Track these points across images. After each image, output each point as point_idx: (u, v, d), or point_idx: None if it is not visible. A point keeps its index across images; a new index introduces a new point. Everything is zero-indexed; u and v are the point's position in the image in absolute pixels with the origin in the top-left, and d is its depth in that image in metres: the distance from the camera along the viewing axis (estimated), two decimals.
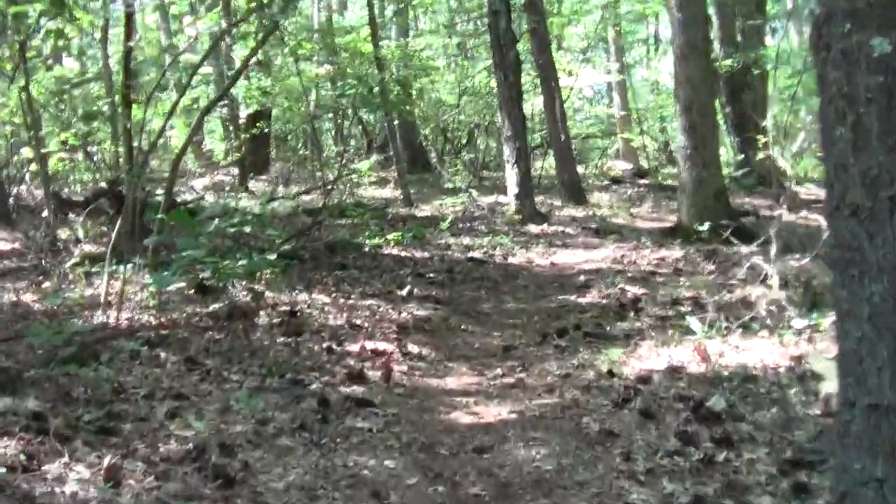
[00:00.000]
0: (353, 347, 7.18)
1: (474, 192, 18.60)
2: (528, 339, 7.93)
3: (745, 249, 11.71)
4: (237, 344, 7.09)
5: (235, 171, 23.37)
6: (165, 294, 8.34)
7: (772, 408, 5.79)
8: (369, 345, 7.25)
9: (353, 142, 31.22)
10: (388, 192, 21.54)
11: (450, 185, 18.93)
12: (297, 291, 9.08)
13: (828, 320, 7.11)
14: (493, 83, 21.15)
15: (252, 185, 23.11)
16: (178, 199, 16.64)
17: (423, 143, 26.79)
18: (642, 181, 23.68)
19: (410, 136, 25.75)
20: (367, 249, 12.31)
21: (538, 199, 16.95)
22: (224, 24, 14.63)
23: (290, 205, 15.52)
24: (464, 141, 26.86)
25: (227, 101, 23.54)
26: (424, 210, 17.81)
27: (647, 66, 35.98)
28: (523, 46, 18.22)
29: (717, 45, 22.47)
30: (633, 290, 9.60)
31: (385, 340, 7.49)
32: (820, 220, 16.46)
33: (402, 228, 14.36)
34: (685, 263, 11.10)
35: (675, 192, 22.06)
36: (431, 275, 10.71)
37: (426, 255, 12.37)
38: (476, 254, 12.59)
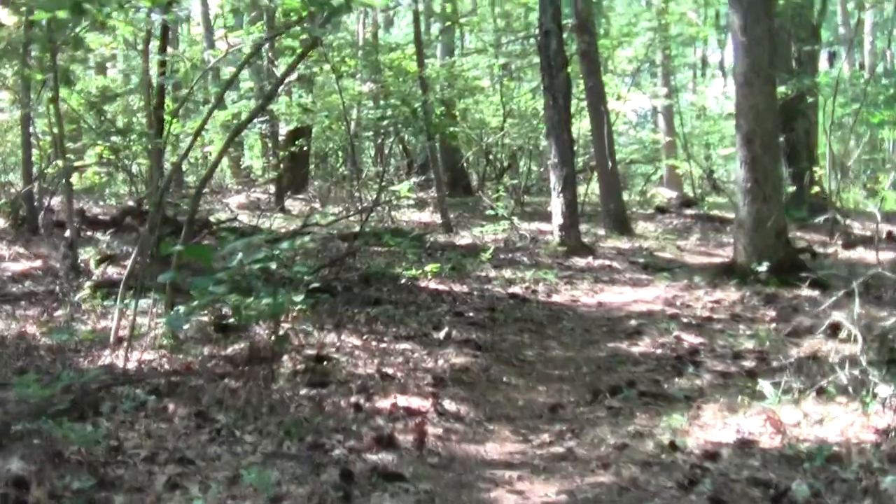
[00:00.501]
0: (384, 404, 6.39)
1: (516, 220, 17.82)
2: (578, 397, 7.09)
3: (806, 292, 10.94)
4: (255, 395, 6.32)
5: (273, 188, 22.73)
6: (182, 331, 7.62)
7: (864, 500, 4.95)
8: (402, 400, 6.46)
9: (393, 161, 30.58)
10: (427, 215, 20.80)
11: (491, 212, 18.08)
12: (325, 331, 8.32)
13: None
14: (539, 105, 20.44)
15: (289, 203, 22.49)
16: (212, 219, 16.07)
17: (465, 166, 26.05)
18: (688, 211, 22.76)
19: (452, 159, 25.04)
20: (403, 281, 11.55)
21: (581, 227, 16.11)
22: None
23: (325, 230, 14.74)
24: (506, 164, 26.05)
25: (266, 117, 23.00)
26: (464, 237, 17.04)
27: (694, 90, 35.07)
28: (572, 69, 17.43)
29: None
30: (690, 339, 8.78)
31: (419, 395, 6.69)
32: (871, 257, 15.54)
33: (441, 258, 13.60)
34: (743, 308, 10.25)
35: (723, 223, 21.27)
36: (471, 314, 9.90)
37: (465, 289, 11.59)
38: (518, 289, 11.80)
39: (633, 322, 9.67)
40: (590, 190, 23.77)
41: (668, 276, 12.71)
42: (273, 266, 6.86)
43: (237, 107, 24.25)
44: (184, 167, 27.46)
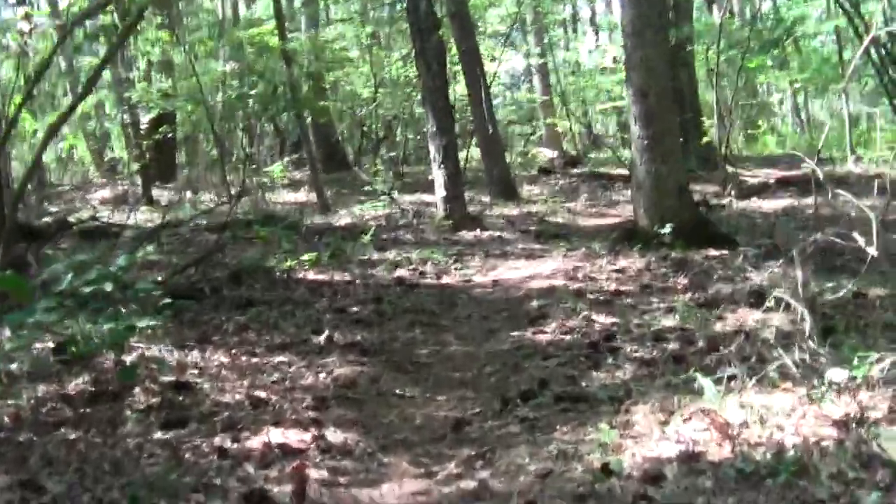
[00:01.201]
0: (255, 442, 5.18)
1: (396, 194, 16.68)
2: (484, 406, 5.96)
3: (713, 252, 10.06)
4: (96, 449, 5.08)
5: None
6: (14, 363, 6.31)
7: None
8: (276, 435, 5.25)
9: (267, 141, 29.14)
10: (304, 195, 19.51)
11: (370, 188, 16.89)
12: (187, 350, 7.06)
13: (876, 365, 5.36)
14: (412, 73, 19.31)
15: (157, 193, 21.04)
16: (71, 218, 14.56)
17: (340, 141, 24.79)
18: (574, 171, 21.90)
19: (325, 134, 23.77)
20: (279, 275, 10.36)
21: (466, 196, 15.05)
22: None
23: (192, 222, 13.41)
24: (382, 135, 24.83)
25: (126, 106, 21.52)
26: (343, 216, 15.88)
27: (567, 47, 34.24)
28: (444, 32, 16.31)
29: None
30: (601, 320, 7.75)
31: (298, 425, 5.49)
32: (767, 205, 14.81)
33: (319, 244, 12.43)
34: (652, 277, 9.30)
35: (610, 180, 20.45)
36: (355, 308, 8.72)
37: (347, 278, 10.43)
38: (405, 273, 10.71)
39: (534, 303, 8.60)
40: (471, 155, 22.76)
41: (565, 245, 11.77)
42: (109, 287, 5.59)
43: (98, 96, 22.69)
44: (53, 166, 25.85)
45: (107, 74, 22.16)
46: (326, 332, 7.59)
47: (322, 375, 6.55)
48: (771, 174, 20.68)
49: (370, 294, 9.41)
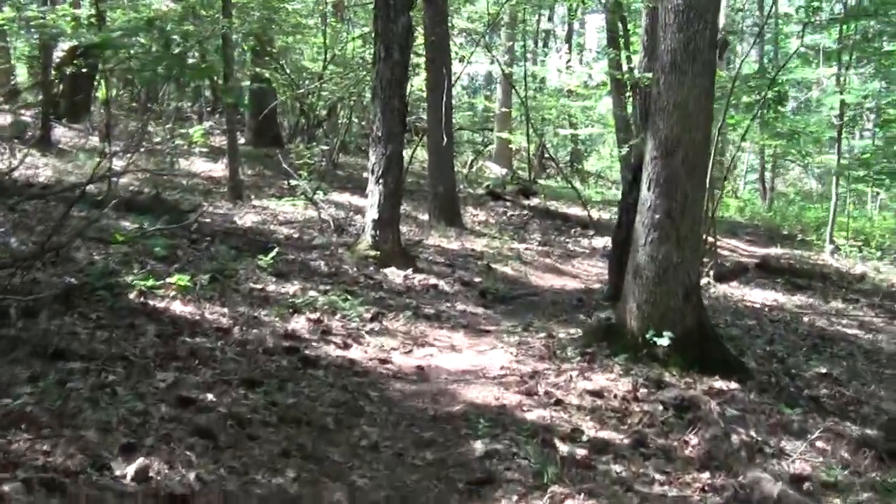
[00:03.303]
0: None
1: (320, 196, 13.48)
2: None
3: (721, 384, 7.10)
4: None
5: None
6: None
7: None
8: None
9: (203, 100, 25.74)
10: (222, 168, 16.23)
11: (294, 182, 13.59)
12: None
13: None
14: (368, 55, 16.18)
15: (60, 133, 17.67)
16: None
17: (276, 114, 21.39)
18: (525, 201, 18.83)
19: (262, 103, 20.42)
20: (133, 298, 7.19)
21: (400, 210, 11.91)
22: None
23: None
24: (324, 115, 21.48)
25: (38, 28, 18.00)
26: (252, 211, 12.66)
27: (535, 61, 31.22)
28: (415, 15, 13.15)
29: (640, 53, 17.89)
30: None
31: None
32: (752, 294, 11.92)
33: (206, 253, 9.23)
34: (645, 419, 6.24)
35: (565, 221, 17.47)
36: (209, 398, 5.50)
37: (223, 320, 7.26)
38: (304, 327, 7.57)
39: (477, 445, 5.45)
40: (415, 155, 19.64)
41: (517, 325, 8.68)
42: None
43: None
44: None
45: None
46: (141, 460, 4.40)
47: None
48: (740, 248, 17.92)
49: (242, 367, 6.21)
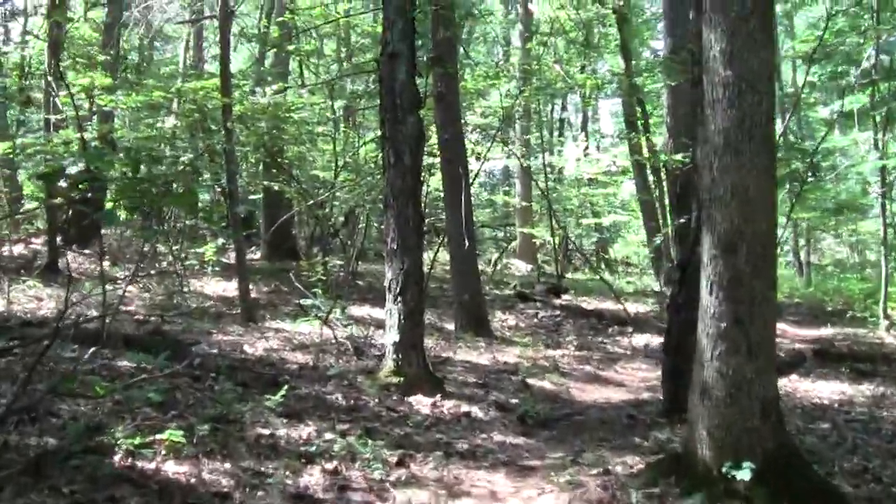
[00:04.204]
0: None
1: (337, 315, 12.31)
2: None
3: None
4: None
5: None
6: None
7: None
8: None
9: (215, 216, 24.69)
10: (236, 287, 15.10)
11: (307, 301, 12.39)
12: None
13: None
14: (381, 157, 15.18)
15: (71, 260, 16.75)
16: None
17: (292, 225, 20.39)
18: (556, 301, 17.60)
19: (276, 215, 19.45)
20: (117, 462, 6.01)
21: (424, 319, 10.74)
22: None
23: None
24: (341, 221, 20.41)
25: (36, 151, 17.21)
26: (264, 337, 11.51)
27: (551, 152, 30.24)
28: (424, 115, 12.14)
29: (665, 135, 16.82)
30: None
31: None
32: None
33: (204, 396, 8.05)
34: None
35: (600, 319, 16.20)
36: None
37: (222, 481, 6.04)
38: (316, 482, 6.33)
39: None
40: (436, 257, 18.51)
41: (566, 460, 7.39)
42: None
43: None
44: None
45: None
46: None
47: None
48: (787, 331, 16.55)
49: None
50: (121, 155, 10.99)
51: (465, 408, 8.70)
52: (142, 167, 11.37)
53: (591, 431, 8.39)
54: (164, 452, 6.33)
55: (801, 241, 28.33)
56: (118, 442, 6.31)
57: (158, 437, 6.45)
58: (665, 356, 8.51)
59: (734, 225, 6.10)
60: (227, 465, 6.37)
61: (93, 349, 8.17)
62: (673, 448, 7.52)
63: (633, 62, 21.16)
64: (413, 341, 9.13)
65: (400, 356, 9.08)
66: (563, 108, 33.90)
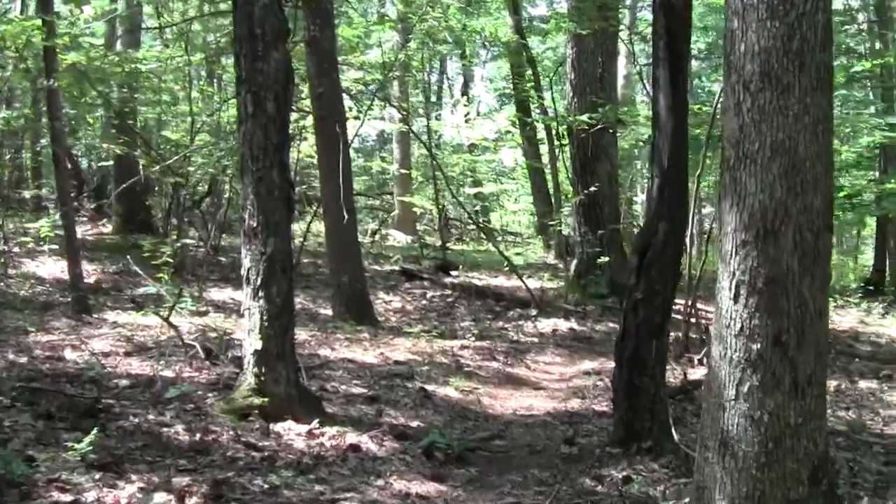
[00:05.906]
0: None
1: (189, 303, 9.72)
2: None
3: None
4: None
5: None
6: None
7: None
8: None
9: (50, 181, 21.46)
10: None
11: (149, 289, 9.65)
12: None
13: None
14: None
15: None
16: None
17: (142, 194, 17.46)
18: (446, 279, 15.26)
19: (129, 181, 16.52)
20: None
21: (296, 301, 8.32)
22: None
23: None
24: (204, 189, 17.59)
25: None
26: (100, 331, 8.95)
27: (428, 117, 27.89)
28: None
29: (569, 95, 14.68)
30: None
31: None
32: None
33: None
34: None
35: (497, 300, 13.99)
36: None
37: None
38: None
39: None
40: (309, 228, 16.06)
41: None
42: None
43: None
44: None
45: None
46: None
47: None
48: None
49: None
50: None
51: (351, 437, 6.27)
52: None
53: (521, 469, 6.10)
54: None
55: None
56: None
57: None
58: (617, 368, 6.27)
59: (776, 197, 3.85)
60: None
61: None
62: (642, 499, 5.32)
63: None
64: (280, 350, 6.58)
65: (263, 370, 6.53)
66: (443, 73, 31.64)
